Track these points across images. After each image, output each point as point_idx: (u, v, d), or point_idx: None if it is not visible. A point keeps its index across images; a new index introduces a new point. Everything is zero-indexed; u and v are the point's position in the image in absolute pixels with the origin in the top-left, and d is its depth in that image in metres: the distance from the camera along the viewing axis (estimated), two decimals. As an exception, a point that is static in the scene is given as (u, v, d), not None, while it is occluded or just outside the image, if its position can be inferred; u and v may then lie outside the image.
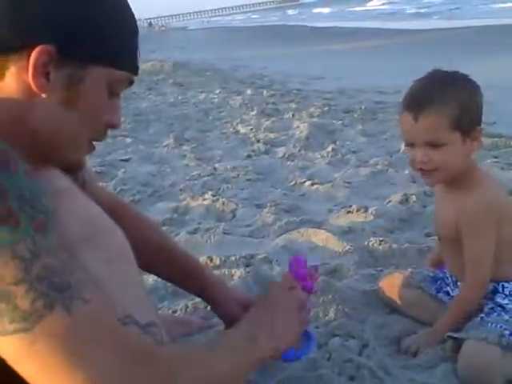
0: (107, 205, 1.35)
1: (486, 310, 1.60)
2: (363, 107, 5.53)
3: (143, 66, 10.51)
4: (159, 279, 2.03)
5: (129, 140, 4.60)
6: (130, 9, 1.01)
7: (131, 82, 1.03)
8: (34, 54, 0.86)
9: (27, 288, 0.73)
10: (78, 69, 0.91)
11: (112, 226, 1.03)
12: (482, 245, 1.58)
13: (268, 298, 1.22)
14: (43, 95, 0.89)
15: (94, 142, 1.05)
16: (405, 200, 2.82)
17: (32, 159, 0.94)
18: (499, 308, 1.60)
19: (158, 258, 1.52)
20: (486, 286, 1.61)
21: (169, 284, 2.01)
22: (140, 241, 1.49)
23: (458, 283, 1.73)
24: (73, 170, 1.04)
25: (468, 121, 1.52)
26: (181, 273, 1.55)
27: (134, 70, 1.02)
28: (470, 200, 1.57)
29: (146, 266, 1.51)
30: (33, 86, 0.87)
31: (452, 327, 1.59)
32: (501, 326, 1.52)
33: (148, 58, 11.77)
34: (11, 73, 0.87)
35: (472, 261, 1.60)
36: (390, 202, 2.86)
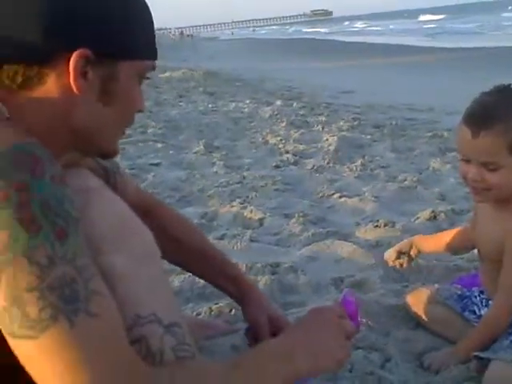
0: (142, 205, 1.38)
1: (515, 333, 1.59)
2: (393, 123, 5.53)
3: (174, 74, 10.65)
4: (185, 281, 2.07)
5: (159, 145, 4.66)
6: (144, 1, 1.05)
7: (154, 68, 1.06)
8: (73, 59, 0.89)
9: (38, 296, 0.76)
10: (112, 66, 0.95)
11: (140, 225, 1.05)
12: None
13: (313, 319, 1.14)
14: (82, 95, 0.93)
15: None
16: (433, 217, 2.81)
17: (71, 153, 0.98)
18: (529, 332, 1.58)
19: (198, 258, 1.54)
20: None
21: (195, 286, 2.04)
22: (180, 240, 1.53)
23: (490, 302, 1.71)
24: (109, 156, 1.08)
25: None
26: (218, 273, 1.56)
27: (155, 55, 1.05)
28: None
29: (185, 265, 1.58)
30: (74, 89, 0.91)
31: (477, 347, 1.57)
32: (529, 349, 1.51)
33: (179, 67, 11.91)
34: (52, 78, 0.91)
35: (508, 285, 1.57)
36: (418, 218, 2.84)
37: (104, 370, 0.78)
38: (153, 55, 1.04)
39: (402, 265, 2.08)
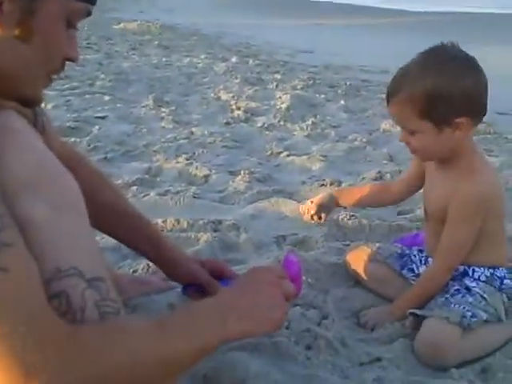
0: (65, 159, 1.29)
1: (451, 290, 1.59)
2: (348, 83, 5.49)
3: (128, 26, 10.33)
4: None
5: (107, 98, 4.50)
6: None
7: (89, 14, 0.98)
8: None
9: None
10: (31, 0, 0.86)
11: (63, 171, 0.97)
12: (463, 233, 1.55)
13: (250, 280, 1.08)
14: None
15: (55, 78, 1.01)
16: (379, 177, 2.81)
17: None
18: (465, 290, 1.58)
19: (113, 217, 1.45)
20: (452, 272, 1.60)
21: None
22: (95, 198, 1.44)
23: (429, 259, 1.71)
24: (30, 104, 0.99)
25: (443, 110, 1.43)
26: (135, 234, 1.48)
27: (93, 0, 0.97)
28: (464, 187, 1.51)
29: (99, 225, 1.44)
30: None
31: (413, 305, 1.58)
32: (464, 307, 1.51)
33: (135, 18, 11.55)
34: None
35: (448, 245, 1.57)
36: (364, 178, 2.83)
37: (17, 329, 0.72)
38: None
39: (320, 218, 1.94)
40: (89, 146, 3.21)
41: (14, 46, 0.87)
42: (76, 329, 0.82)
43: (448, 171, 1.58)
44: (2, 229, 0.75)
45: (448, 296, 1.57)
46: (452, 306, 1.52)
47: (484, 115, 1.50)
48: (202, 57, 7.12)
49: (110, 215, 1.44)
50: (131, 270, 1.83)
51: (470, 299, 1.55)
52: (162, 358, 0.86)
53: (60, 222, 0.89)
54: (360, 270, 1.81)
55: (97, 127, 3.62)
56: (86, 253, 0.92)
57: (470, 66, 1.46)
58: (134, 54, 7.14)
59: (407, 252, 1.81)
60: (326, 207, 1.94)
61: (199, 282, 1.49)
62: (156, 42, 8.46)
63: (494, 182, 1.57)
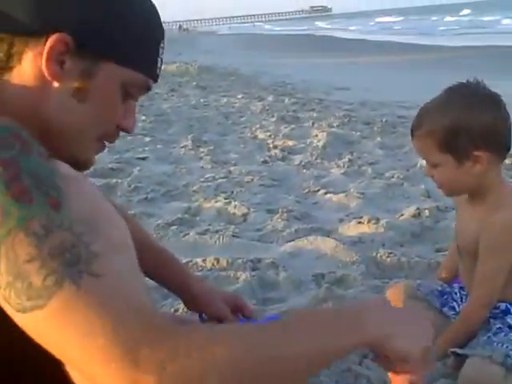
0: None
1: (493, 329, 1.57)
2: (384, 120, 5.51)
3: (168, 68, 10.59)
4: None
5: (147, 139, 4.63)
6: (157, 15, 1.00)
7: (149, 88, 1.01)
8: (50, 40, 0.86)
9: (39, 265, 0.74)
10: (92, 62, 0.91)
11: (117, 216, 1.02)
12: (496, 265, 1.54)
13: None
14: (55, 83, 0.89)
15: (107, 143, 1.04)
16: (417, 214, 2.79)
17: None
18: (507, 328, 1.57)
19: (143, 253, 1.48)
20: (489, 307, 1.58)
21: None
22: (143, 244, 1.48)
23: (469, 298, 1.70)
24: (80, 167, 1.01)
25: (462, 143, 1.46)
26: (163, 269, 1.50)
27: (153, 75, 1.00)
28: (495, 218, 1.52)
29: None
30: (45, 73, 0.87)
31: (454, 344, 1.56)
32: (507, 346, 1.49)
33: (174, 60, 11.85)
34: (28, 58, 0.87)
35: (480, 280, 1.56)
36: (402, 215, 2.83)
37: (120, 327, 0.74)
38: (149, 73, 0.98)
39: None
40: (129, 186, 3.30)
41: (70, 103, 0.91)
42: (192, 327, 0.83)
43: (477, 206, 1.59)
44: (92, 242, 0.79)
45: (490, 335, 1.55)
46: (495, 344, 1.50)
47: (508, 151, 1.52)
48: (239, 96, 7.26)
49: (140, 251, 1.46)
50: (172, 310, 1.86)
51: (513, 337, 1.53)
52: (282, 356, 0.79)
53: (118, 261, 0.93)
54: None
55: (138, 168, 3.72)
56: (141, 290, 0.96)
57: (490, 101, 1.50)
58: (173, 96, 7.33)
59: (448, 289, 1.79)
60: None
61: (224, 321, 1.49)
62: (194, 83, 8.67)
63: None
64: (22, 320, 0.76)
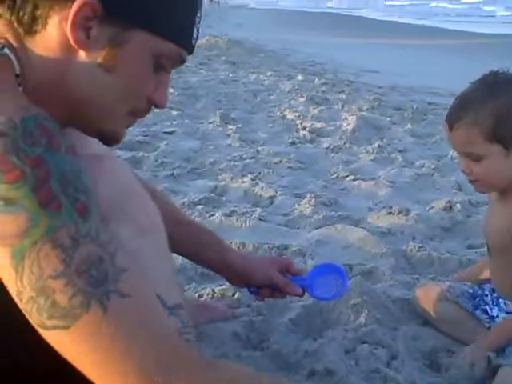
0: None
1: (527, 335, 1.52)
2: (414, 106, 5.39)
3: (198, 41, 10.48)
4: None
5: (175, 113, 4.57)
6: None
7: (183, 61, 0.94)
8: (76, 4, 0.79)
9: (66, 282, 0.70)
10: (122, 29, 0.84)
11: (145, 197, 0.99)
12: None
13: None
14: (82, 52, 0.83)
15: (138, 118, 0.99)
16: (448, 207, 2.72)
17: (67, 123, 0.89)
18: (541, 335, 1.51)
19: (176, 231, 1.36)
20: None
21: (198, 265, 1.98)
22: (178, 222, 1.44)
23: (500, 300, 1.64)
24: (108, 142, 0.97)
25: (511, 130, 1.42)
26: (199, 245, 1.46)
27: (187, 46, 0.93)
28: None
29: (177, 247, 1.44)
30: (70, 39, 0.81)
31: (498, 343, 1.51)
32: (542, 356, 1.44)
33: (203, 33, 11.71)
34: (54, 23, 0.81)
35: None
36: (433, 207, 2.76)
37: (148, 352, 0.73)
38: (183, 44, 0.91)
39: None
40: (156, 161, 3.26)
41: (97, 73, 0.85)
42: (212, 360, 0.84)
43: (509, 201, 1.53)
44: (116, 252, 0.76)
45: (524, 342, 1.50)
46: (529, 353, 1.45)
47: None
48: (268, 74, 7.16)
49: (178, 230, 1.38)
50: (197, 295, 1.82)
51: (548, 346, 1.48)
52: None
53: (144, 246, 0.90)
54: (430, 309, 1.74)
55: (164, 142, 3.67)
56: (167, 279, 0.93)
57: None
58: (201, 69, 7.25)
59: (479, 292, 1.73)
60: None
61: (276, 284, 1.47)
62: (224, 58, 8.57)
63: None
64: (44, 334, 0.72)
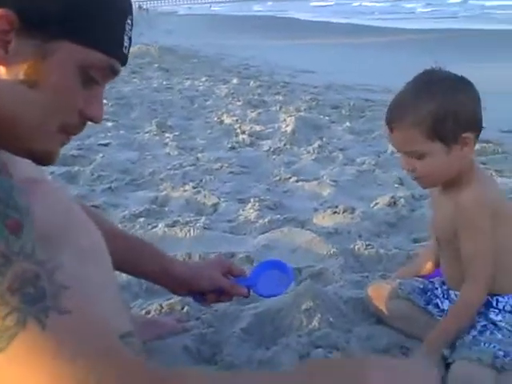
0: None
1: (478, 327, 1.50)
2: (351, 104, 5.45)
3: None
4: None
5: (109, 124, 4.46)
6: None
7: (115, 72, 0.88)
8: None
9: None
10: (42, 42, 0.78)
11: (87, 221, 0.93)
12: (479, 239, 1.47)
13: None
14: (1, 68, 0.77)
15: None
16: (392, 203, 2.73)
17: None
18: (492, 325, 1.50)
19: (115, 246, 1.34)
20: (488, 285, 1.49)
21: (143, 280, 1.90)
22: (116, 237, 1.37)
23: (450, 292, 1.63)
24: (41, 161, 0.90)
25: (451, 127, 1.43)
26: (140, 258, 1.40)
27: (118, 55, 0.87)
28: (464, 194, 1.48)
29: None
30: None
31: (448, 337, 1.49)
32: (494, 346, 1.43)
33: (134, 42, 11.56)
34: None
35: (470, 257, 1.48)
36: (377, 204, 2.77)
37: (94, 367, 0.68)
38: (112, 51, 0.85)
39: None
40: (92, 175, 3.15)
41: (20, 89, 0.79)
42: (159, 369, 0.78)
43: (452, 193, 1.53)
44: (56, 269, 0.71)
45: (476, 334, 1.49)
46: (482, 345, 1.44)
47: (481, 130, 1.51)
48: (203, 79, 7.11)
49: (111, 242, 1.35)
50: (144, 311, 1.74)
51: (499, 336, 1.47)
52: None
53: (88, 274, 0.85)
54: (382, 308, 1.73)
55: (100, 155, 3.56)
56: (114, 305, 0.89)
57: (464, 82, 1.49)
58: (134, 78, 7.13)
59: (430, 286, 1.73)
60: None
61: (222, 287, 1.44)
62: (156, 65, 8.47)
63: (492, 187, 1.55)
64: None
